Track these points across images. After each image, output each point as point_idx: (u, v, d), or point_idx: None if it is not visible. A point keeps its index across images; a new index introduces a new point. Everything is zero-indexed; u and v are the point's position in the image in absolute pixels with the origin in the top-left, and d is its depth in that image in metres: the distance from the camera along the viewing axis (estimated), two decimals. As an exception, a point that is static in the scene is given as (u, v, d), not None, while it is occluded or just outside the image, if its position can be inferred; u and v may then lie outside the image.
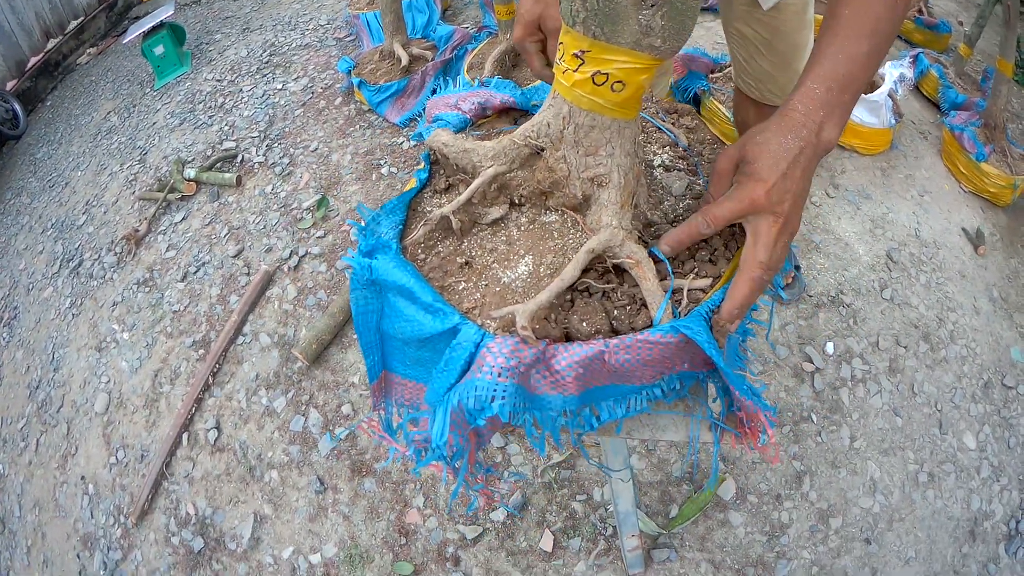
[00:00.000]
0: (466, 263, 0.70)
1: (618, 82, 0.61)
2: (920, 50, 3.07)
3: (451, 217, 0.71)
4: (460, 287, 0.68)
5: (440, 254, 0.72)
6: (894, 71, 2.65)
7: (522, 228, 0.73)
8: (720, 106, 2.46)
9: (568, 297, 0.65)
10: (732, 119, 2.28)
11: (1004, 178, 2.54)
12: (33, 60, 4.47)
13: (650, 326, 0.62)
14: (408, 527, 1.78)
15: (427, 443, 0.63)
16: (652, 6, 0.54)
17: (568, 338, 0.63)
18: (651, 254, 0.67)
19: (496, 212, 0.73)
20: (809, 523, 1.77)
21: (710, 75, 2.62)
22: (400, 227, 0.75)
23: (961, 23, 3.79)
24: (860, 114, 2.55)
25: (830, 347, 2.07)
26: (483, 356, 0.59)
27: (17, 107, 4.08)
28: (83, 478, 2.19)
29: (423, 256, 0.72)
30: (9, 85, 4.28)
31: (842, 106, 0.65)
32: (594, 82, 0.61)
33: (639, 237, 0.69)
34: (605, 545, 1.71)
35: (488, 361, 0.59)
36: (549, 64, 0.86)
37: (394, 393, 0.79)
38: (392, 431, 0.81)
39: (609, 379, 0.63)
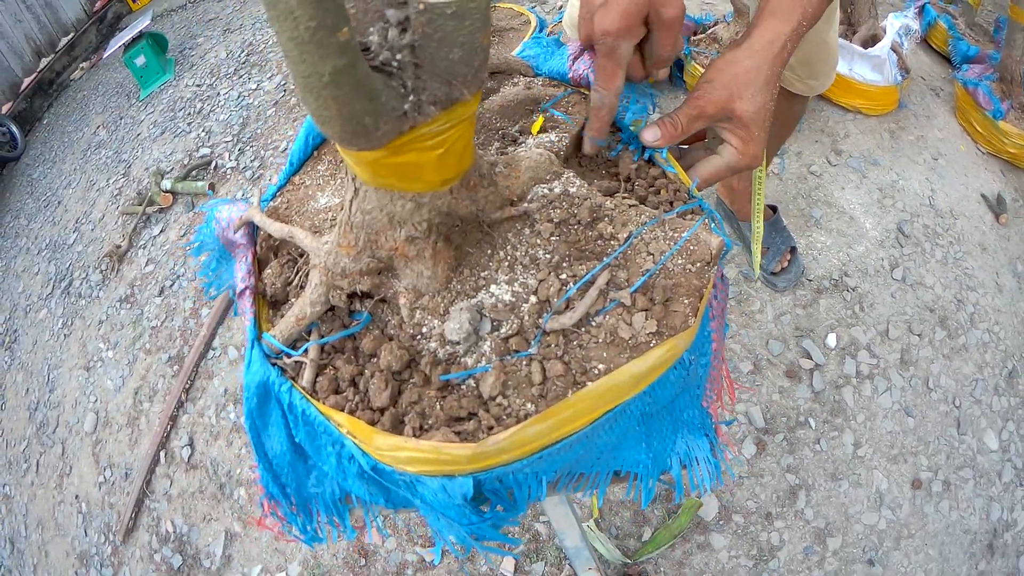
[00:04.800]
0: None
1: None
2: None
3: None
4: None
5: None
6: (896, 22, 2.51)
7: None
8: (702, 70, 2.40)
9: None
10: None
11: (1024, 137, 2.40)
12: (27, 81, 4.69)
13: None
14: (368, 548, 1.82)
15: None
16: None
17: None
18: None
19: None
20: (803, 544, 1.68)
21: (692, 37, 2.55)
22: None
23: None
24: (862, 71, 2.42)
25: (832, 339, 1.95)
26: None
27: (14, 129, 4.29)
28: (77, 497, 2.33)
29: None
30: (5, 108, 4.50)
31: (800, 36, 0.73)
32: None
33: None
34: (570, 570, 1.68)
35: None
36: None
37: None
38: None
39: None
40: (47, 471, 2.50)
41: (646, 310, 0.66)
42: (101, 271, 2.87)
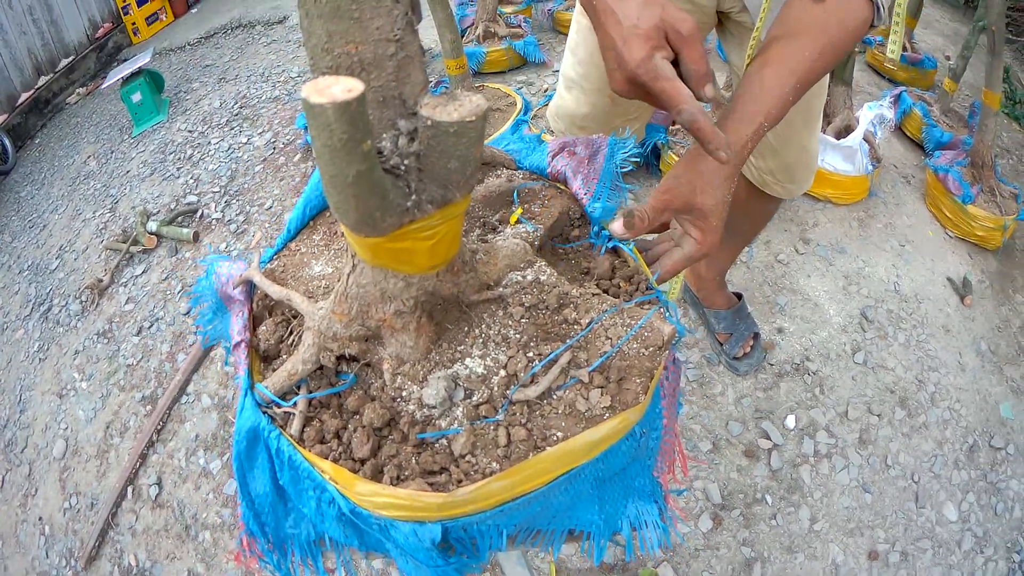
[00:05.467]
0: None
1: None
2: (903, 88, 3.07)
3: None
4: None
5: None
6: (870, 112, 2.64)
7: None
8: (677, 159, 2.54)
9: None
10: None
11: (993, 219, 2.52)
12: (24, 96, 4.77)
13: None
14: (330, 597, 1.86)
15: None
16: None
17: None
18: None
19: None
20: None
21: (670, 128, 2.67)
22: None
23: (948, 57, 3.77)
24: (833, 161, 2.55)
25: (791, 420, 2.02)
26: None
27: (7, 142, 4.36)
28: (40, 519, 2.35)
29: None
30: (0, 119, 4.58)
31: (761, 135, 0.81)
32: None
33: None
34: None
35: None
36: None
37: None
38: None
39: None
40: (12, 488, 2.50)
41: (602, 387, 0.77)
42: (81, 302, 2.92)
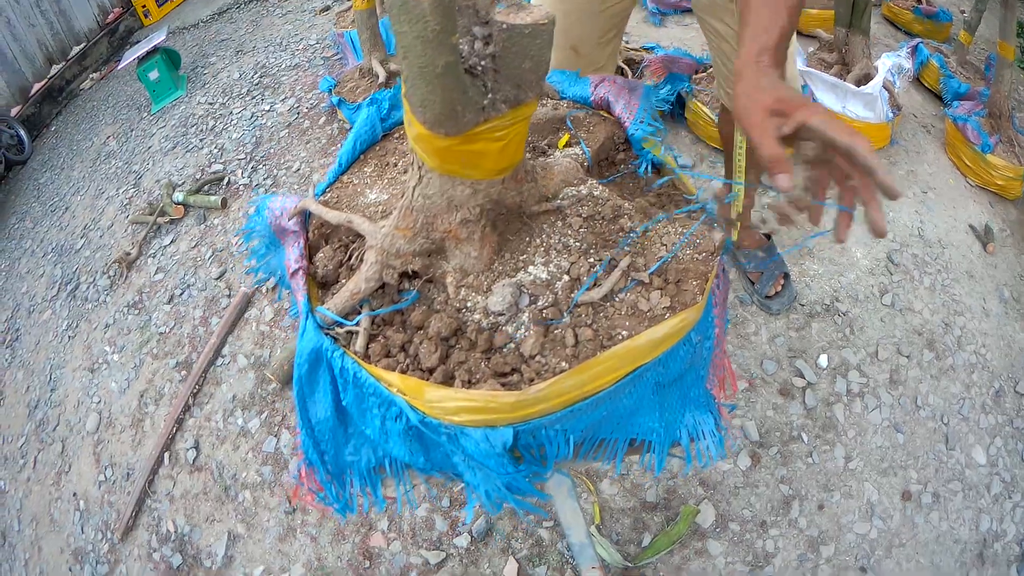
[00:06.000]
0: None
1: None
2: (919, 40, 3.08)
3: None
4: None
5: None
6: (888, 61, 2.65)
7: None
8: (703, 107, 2.54)
9: None
10: (716, 122, 2.36)
11: (1012, 169, 2.54)
12: (37, 86, 4.82)
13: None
14: (372, 550, 1.88)
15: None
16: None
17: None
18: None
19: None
20: (797, 552, 1.74)
21: (693, 76, 2.69)
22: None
23: (963, 11, 3.75)
24: (855, 108, 2.55)
25: (823, 360, 2.05)
26: None
27: (22, 133, 4.42)
28: (75, 494, 2.39)
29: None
30: (13, 111, 4.62)
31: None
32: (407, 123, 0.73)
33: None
34: (572, 574, 1.75)
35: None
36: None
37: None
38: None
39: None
40: (44, 468, 2.55)
41: (661, 289, 0.80)
42: (109, 277, 2.96)
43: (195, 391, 2.33)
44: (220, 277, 2.69)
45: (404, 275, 0.85)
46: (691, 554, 1.75)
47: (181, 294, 2.70)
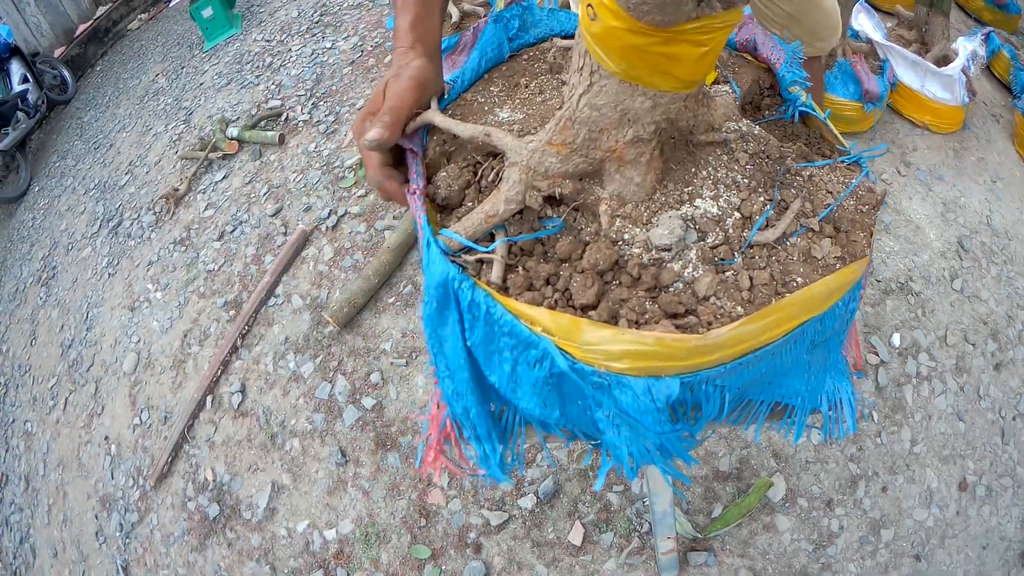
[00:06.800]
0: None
1: (589, 5, 0.61)
2: (991, 29, 3.06)
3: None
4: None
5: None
6: (968, 44, 2.65)
7: None
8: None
9: None
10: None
11: (1081, 168, 2.53)
12: (82, 27, 4.81)
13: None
14: (429, 508, 1.83)
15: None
16: None
17: None
18: None
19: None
20: (860, 533, 1.75)
21: None
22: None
23: None
24: (934, 89, 2.55)
25: (896, 339, 2.05)
26: None
27: (66, 73, 4.44)
28: (107, 438, 2.35)
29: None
30: (57, 52, 4.63)
31: None
32: (588, 17, 0.62)
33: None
34: (639, 543, 1.71)
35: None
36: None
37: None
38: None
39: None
40: (75, 410, 2.52)
41: (831, 237, 0.73)
42: (155, 213, 2.93)
43: (244, 332, 2.28)
44: (276, 214, 2.63)
45: (548, 199, 0.77)
46: (759, 528, 1.74)
47: (232, 231, 2.65)
